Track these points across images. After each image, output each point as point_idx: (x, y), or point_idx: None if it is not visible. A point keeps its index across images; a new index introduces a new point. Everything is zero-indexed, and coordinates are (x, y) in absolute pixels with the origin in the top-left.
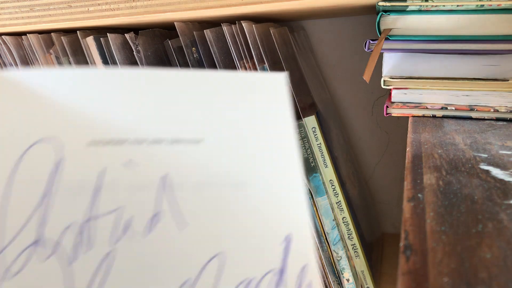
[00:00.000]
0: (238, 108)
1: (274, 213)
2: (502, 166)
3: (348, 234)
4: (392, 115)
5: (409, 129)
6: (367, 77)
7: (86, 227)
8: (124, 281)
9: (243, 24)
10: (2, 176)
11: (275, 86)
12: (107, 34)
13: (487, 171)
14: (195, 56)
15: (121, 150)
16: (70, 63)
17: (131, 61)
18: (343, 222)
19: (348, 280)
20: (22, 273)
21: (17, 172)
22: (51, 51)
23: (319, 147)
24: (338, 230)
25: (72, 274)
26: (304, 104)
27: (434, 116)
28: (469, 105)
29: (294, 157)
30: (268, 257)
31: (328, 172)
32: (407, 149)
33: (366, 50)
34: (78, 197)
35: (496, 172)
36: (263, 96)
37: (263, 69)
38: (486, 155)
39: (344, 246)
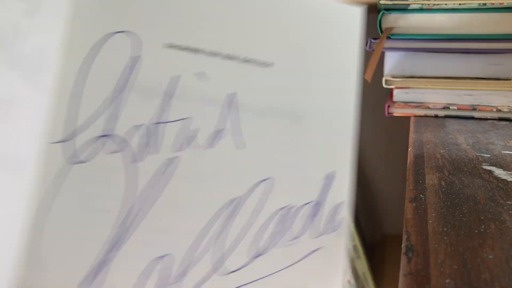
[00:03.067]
0: (310, 37)
1: (322, 149)
2: (505, 166)
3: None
4: (394, 114)
5: (411, 129)
6: (368, 76)
7: (154, 130)
8: (181, 187)
9: None
10: (77, 63)
11: (349, 19)
12: None
13: (490, 171)
14: None
15: (195, 59)
16: None
17: None
18: None
19: (349, 281)
20: (89, 162)
21: (94, 61)
22: None
23: None
24: None
25: (136, 172)
26: None
27: (436, 116)
28: (471, 105)
29: (352, 98)
30: (310, 189)
31: None
32: (409, 149)
33: (367, 49)
34: (150, 99)
35: (499, 172)
36: (337, 28)
37: None
38: (488, 155)
39: None
